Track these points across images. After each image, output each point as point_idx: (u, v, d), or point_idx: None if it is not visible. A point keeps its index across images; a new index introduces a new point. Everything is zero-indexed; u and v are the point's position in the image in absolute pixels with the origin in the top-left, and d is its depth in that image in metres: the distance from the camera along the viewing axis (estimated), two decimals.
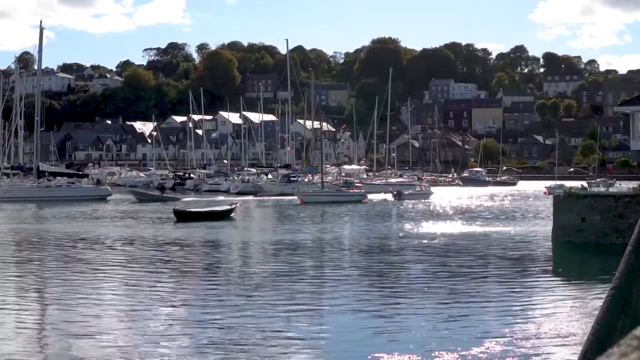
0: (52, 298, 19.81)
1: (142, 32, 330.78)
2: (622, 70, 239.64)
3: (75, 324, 16.23)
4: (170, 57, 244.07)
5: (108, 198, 68.73)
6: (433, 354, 13.51)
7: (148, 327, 15.93)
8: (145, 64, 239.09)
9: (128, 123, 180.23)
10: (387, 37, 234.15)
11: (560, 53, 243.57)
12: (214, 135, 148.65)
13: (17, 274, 24.34)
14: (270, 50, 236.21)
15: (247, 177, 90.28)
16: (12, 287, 21.59)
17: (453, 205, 60.82)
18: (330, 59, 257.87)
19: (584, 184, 60.47)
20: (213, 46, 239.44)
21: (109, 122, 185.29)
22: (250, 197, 71.10)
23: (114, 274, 23.86)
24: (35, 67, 79.95)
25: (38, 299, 20.07)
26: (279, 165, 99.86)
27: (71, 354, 13.91)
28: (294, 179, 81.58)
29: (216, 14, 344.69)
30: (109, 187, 75.19)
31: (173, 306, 18.45)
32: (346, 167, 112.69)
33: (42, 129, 72.57)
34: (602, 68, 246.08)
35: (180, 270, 24.91)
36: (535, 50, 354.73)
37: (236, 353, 13.86)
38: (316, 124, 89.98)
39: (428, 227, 40.73)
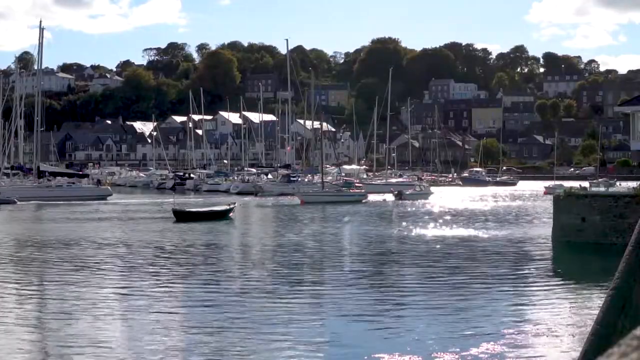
0: (51, 299, 19.79)
1: (139, 32, 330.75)
2: (620, 70, 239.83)
3: (74, 324, 16.22)
4: (170, 57, 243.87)
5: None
6: (433, 355, 13.49)
7: (141, 331, 15.90)
8: (145, 64, 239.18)
9: (128, 123, 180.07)
10: (387, 37, 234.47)
11: (557, 53, 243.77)
12: (215, 136, 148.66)
13: (16, 273, 24.31)
14: (270, 50, 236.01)
15: (247, 177, 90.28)
16: (11, 287, 21.56)
17: (453, 206, 60.76)
18: (330, 59, 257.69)
19: (583, 183, 60.38)
20: (213, 46, 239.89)
21: (109, 122, 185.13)
22: (250, 197, 71.11)
23: (112, 274, 23.85)
24: (35, 67, 80.00)
25: (37, 299, 20.02)
26: (279, 165, 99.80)
27: (68, 355, 13.90)
28: (294, 179, 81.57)
29: (212, 15, 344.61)
30: (109, 187, 75.22)
31: (170, 308, 18.43)
32: (346, 167, 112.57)
33: (42, 129, 72.51)
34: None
35: (176, 271, 24.91)
36: (531, 50, 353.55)
37: (235, 353, 13.84)
38: (316, 124, 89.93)
39: (428, 227, 40.68)
